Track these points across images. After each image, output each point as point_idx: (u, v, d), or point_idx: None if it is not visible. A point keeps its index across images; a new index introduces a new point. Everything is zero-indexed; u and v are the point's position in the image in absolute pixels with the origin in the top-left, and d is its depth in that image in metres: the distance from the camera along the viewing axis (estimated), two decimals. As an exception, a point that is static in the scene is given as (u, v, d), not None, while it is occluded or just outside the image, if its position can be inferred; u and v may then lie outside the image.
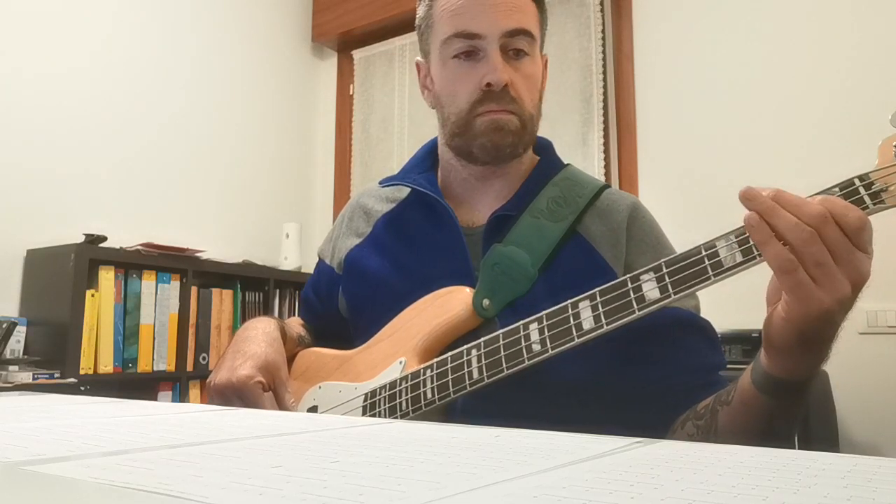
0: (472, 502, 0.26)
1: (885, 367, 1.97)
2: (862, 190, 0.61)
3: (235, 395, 0.82)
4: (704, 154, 2.35)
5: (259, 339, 0.90)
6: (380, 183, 1.03)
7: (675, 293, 0.66)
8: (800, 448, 0.42)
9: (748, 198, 0.59)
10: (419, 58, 0.99)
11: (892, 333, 1.98)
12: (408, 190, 0.98)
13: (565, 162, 0.99)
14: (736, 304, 1.51)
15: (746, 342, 1.84)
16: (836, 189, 0.63)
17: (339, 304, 1.01)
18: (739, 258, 0.64)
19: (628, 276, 0.70)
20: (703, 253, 0.66)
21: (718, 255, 0.65)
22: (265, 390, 0.84)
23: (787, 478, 0.31)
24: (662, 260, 0.68)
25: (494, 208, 0.91)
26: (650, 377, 0.81)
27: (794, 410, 0.67)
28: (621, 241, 0.87)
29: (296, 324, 1.07)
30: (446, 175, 0.98)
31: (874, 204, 0.61)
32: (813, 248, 0.56)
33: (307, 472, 0.32)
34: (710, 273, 0.65)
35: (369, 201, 1.04)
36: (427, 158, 1.01)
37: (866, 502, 0.26)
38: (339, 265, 1.01)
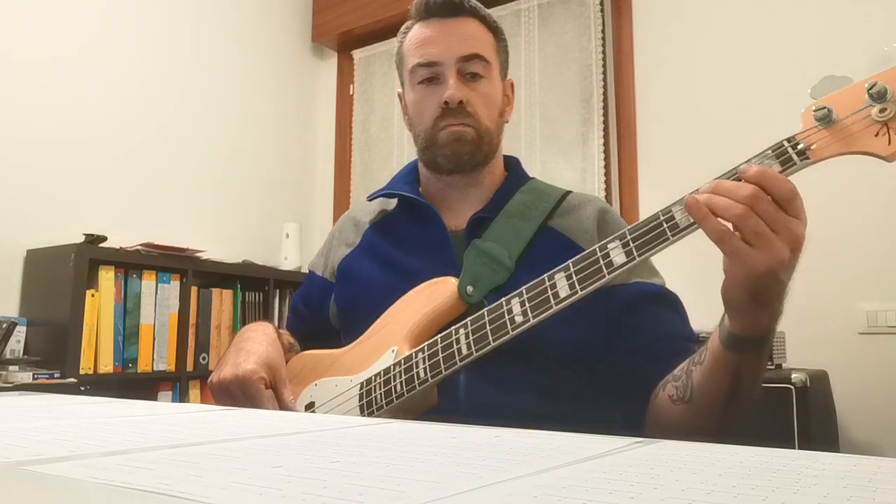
0: (472, 502, 0.26)
1: (885, 367, 1.97)
2: (790, 150, 0.71)
3: (239, 389, 0.86)
4: (704, 154, 2.35)
5: (259, 339, 0.94)
6: (368, 198, 1.11)
7: (639, 255, 0.74)
8: (800, 448, 0.42)
9: (688, 207, 0.69)
10: (399, 89, 1.09)
11: (892, 333, 1.98)
12: (395, 202, 1.08)
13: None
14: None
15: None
16: (770, 151, 0.72)
17: (329, 311, 1.06)
18: (692, 219, 0.70)
19: (597, 245, 0.78)
20: (661, 218, 0.73)
21: (675, 218, 0.72)
22: (266, 387, 0.87)
23: (787, 478, 0.31)
24: (626, 228, 0.76)
25: (472, 213, 1.00)
26: (630, 346, 0.90)
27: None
28: (591, 230, 0.97)
29: (286, 334, 1.11)
30: (426, 189, 1.07)
31: (801, 160, 0.70)
32: (749, 221, 0.65)
33: (307, 472, 0.32)
34: (669, 234, 0.72)
35: (358, 214, 1.13)
36: (412, 174, 1.10)
37: (866, 502, 0.26)
38: (332, 274, 1.08)
